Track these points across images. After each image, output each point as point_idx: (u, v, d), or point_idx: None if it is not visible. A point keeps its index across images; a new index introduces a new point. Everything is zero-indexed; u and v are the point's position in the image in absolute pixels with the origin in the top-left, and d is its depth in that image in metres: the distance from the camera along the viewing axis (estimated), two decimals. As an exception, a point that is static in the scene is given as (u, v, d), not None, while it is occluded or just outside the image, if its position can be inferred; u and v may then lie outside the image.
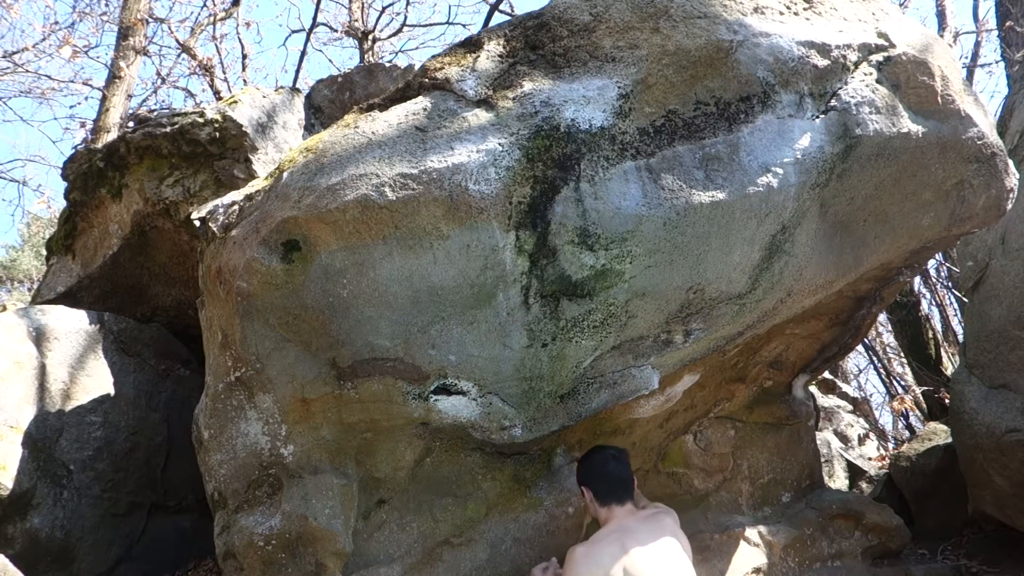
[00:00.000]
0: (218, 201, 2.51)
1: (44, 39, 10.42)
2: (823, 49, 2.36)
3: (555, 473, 2.77)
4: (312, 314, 2.22)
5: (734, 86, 2.30)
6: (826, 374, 6.70)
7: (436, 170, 2.10)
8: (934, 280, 7.28)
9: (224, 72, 11.05)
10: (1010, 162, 2.80)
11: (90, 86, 10.95)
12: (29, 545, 3.17)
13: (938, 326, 7.30)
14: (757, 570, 3.16)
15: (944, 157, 2.56)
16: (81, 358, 3.64)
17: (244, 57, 11.24)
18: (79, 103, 23.56)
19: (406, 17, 12.01)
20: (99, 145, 4.62)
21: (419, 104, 2.27)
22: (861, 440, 6.27)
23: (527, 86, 2.26)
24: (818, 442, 4.13)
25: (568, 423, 2.44)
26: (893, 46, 2.46)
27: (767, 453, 3.56)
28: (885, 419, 9.90)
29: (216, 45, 11.02)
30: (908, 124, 2.44)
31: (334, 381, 2.30)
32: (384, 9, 11.65)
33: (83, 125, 9.32)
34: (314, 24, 10.10)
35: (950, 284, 7.05)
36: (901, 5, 8.60)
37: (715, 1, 2.37)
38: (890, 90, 2.44)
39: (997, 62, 9.05)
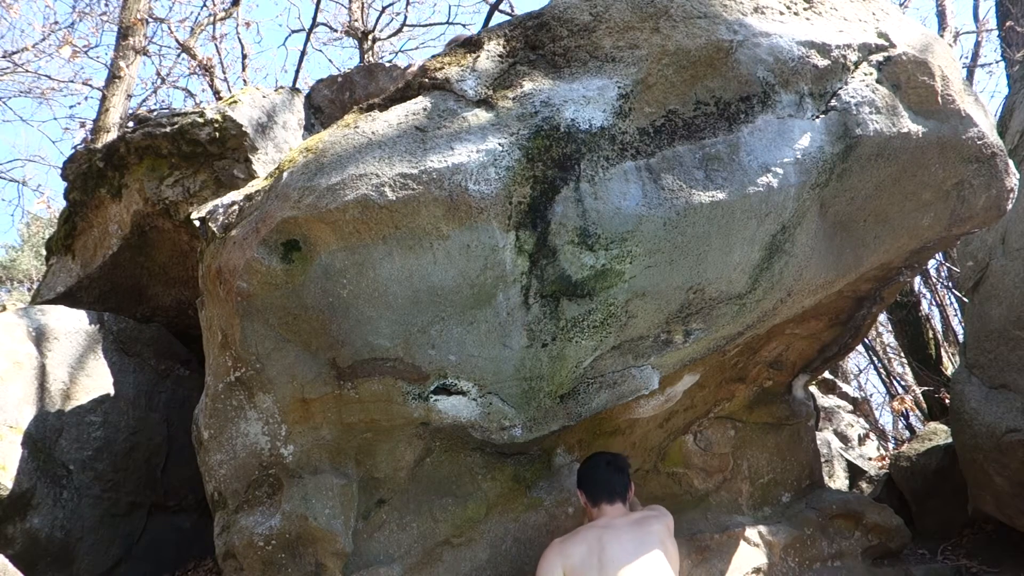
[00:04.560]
0: (218, 201, 2.51)
1: (44, 39, 10.42)
2: (823, 49, 2.36)
3: (555, 473, 2.77)
4: (312, 314, 2.22)
5: (734, 86, 2.30)
6: (826, 374, 6.70)
7: (436, 170, 2.10)
8: (934, 280, 7.28)
9: (224, 72, 11.05)
10: (1010, 162, 2.80)
11: (90, 86, 10.95)
12: (29, 545, 3.17)
13: (938, 326, 7.30)
14: (757, 570, 3.16)
15: (944, 157, 2.56)
16: (81, 358, 3.64)
17: (244, 57, 11.24)
18: (79, 103, 23.59)
19: (406, 17, 12.03)
20: (99, 145, 4.62)
21: (419, 104, 2.27)
22: (861, 440, 6.27)
23: (527, 86, 2.26)
24: (818, 442, 4.13)
25: (568, 423, 2.44)
26: (893, 46, 2.46)
27: (767, 453, 3.56)
28: (885, 419, 9.91)
29: (216, 45, 11.02)
30: (908, 124, 2.44)
31: (334, 381, 2.30)
32: (384, 9, 11.65)
33: (83, 125, 9.31)
34: (314, 24, 10.10)
35: (950, 284, 7.05)
36: (901, 5, 8.60)
37: (715, 1, 2.37)
38: (890, 90, 2.44)
39: (997, 62, 9.05)
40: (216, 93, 10.11)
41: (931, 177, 2.59)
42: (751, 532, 3.22)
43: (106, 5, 11.04)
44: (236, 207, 2.42)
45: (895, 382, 8.42)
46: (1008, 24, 7.39)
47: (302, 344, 2.29)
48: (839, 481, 5.37)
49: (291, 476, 2.41)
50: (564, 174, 2.18)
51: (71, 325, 3.66)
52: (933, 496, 4.46)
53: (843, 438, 6.06)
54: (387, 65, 4.43)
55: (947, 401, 5.32)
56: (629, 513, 2.42)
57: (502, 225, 2.15)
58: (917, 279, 7.04)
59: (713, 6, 2.35)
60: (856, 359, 11.00)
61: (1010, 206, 2.88)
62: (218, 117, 3.59)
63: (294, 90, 4.05)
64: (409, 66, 3.52)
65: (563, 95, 2.23)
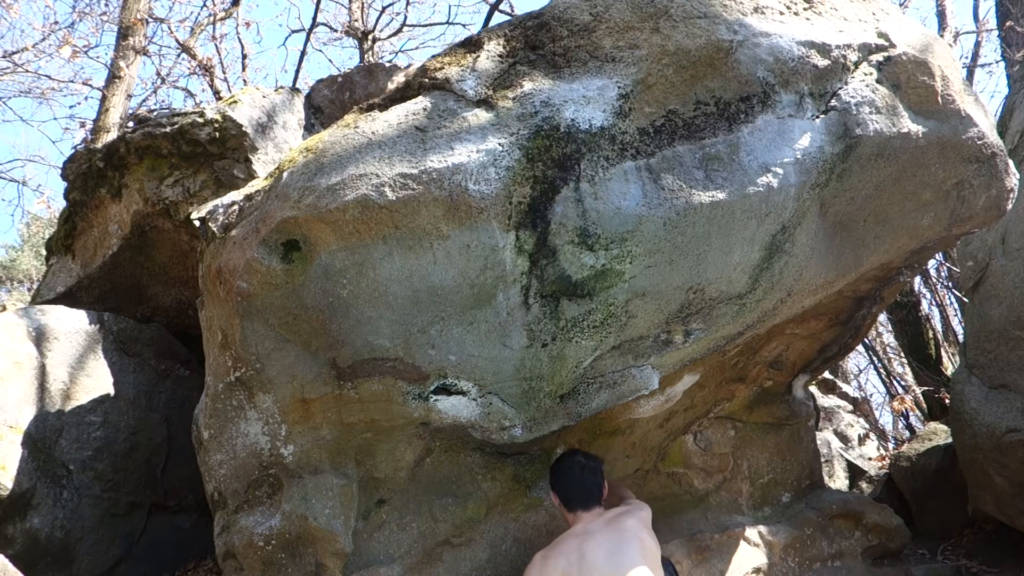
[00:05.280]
0: (218, 201, 2.51)
1: (44, 39, 10.42)
2: (823, 49, 2.36)
3: (555, 473, 2.77)
4: (312, 314, 2.22)
5: (734, 86, 2.30)
6: (826, 374, 6.70)
7: (436, 170, 2.10)
8: (934, 280, 7.28)
9: (224, 72, 11.06)
10: (1010, 162, 2.80)
11: (90, 86, 10.96)
12: (29, 545, 3.17)
13: (938, 326, 7.31)
14: (757, 570, 3.16)
15: (944, 157, 2.56)
16: (81, 358, 3.64)
17: (244, 57, 11.25)
18: (79, 103, 23.61)
19: (406, 17, 12.03)
20: (99, 145, 4.62)
21: (419, 104, 2.27)
22: (861, 440, 6.27)
23: (527, 86, 2.26)
24: (818, 442, 4.13)
25: (568, 423, 2.44)
26: (893, 46, 2.46)
27: (767, 453, 3.56)
28: (885, 419, 9.91)
29: (216, 45, 11.03)
30: (908, 124, 2.44)
31: (334, 381, 2.30)
32: (384, 9, 11.66)
33: (83, 125, 9.32)
34: (314, 24, 10.10)
35: (950, 284, 7.05)
36: (901, 5, 8.60)
37: (715, 1, 2.36)
38: (890, 90, 2.44)
39: (997, 62, 9.06)
40: (216, 93, 10.12)
41: (931, 177, 2.59)
42: (751, 532, 3.22)
43: (106, 5, 11.06)
44: (236, 207, 2.42)
45: (895, 382, 8.42)
46: (1008, 24, 7.40)
47: (302, 344, 2.29)
48: (839, 481, 5.37)
49: (291, 476, 2.41)
50: (564, 174, 2.17)
51: (71, 325, 3.66)
52: (933, 496, 4.46)
53: (843, 438, 6.06)
54: (387, 65, 4.43)
55: (947, 401, 5.32)
56: (604, 512, 2.42)
57: (502, 225, 2.15)
58: (917, 279, 7.05)
59: (713, 6, 2.35)
60: (856, 359, 11.01)
61: (1010, 206, 2.88)
62: (218, 117, 3.59)
63: (294, 90, 4.04)
64: (409, 66, 3.51)
65: (563, 95, 2.23)
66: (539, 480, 2.76)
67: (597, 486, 2.45)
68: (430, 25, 13.64)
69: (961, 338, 5.92)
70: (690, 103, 2.29)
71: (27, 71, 10.64)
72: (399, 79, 2.45)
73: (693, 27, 2.30)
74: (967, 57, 8.90)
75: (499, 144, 2.15)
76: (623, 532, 2.27)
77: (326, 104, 4.20)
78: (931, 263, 6.97)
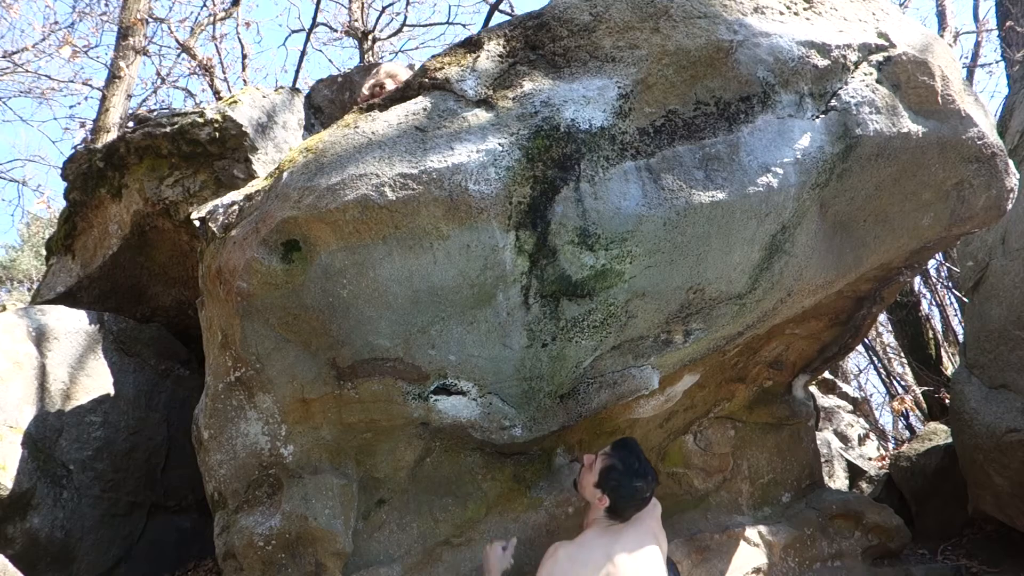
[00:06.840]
0: (218, 201, 2.51)
1: (44, 39, 10.42)
2: (823, 49, 2.36)
3: (555, 473, 2.77)
4: (312, 314, 2.22)
5: (734, 86, 2.30)
6: (826, 374, 6.69)
7: (436, 170, 2.10)
8: (934, 280, 7.28)
9: (224, 72, 11.05)
10: (1010, 162, 2.80)
11: (90, 86, 10.96)
12: (29, 545, 3.17)
13: (938, 326, 7.30)
14: (757, 570, 3.16)
15: (944, 157, 2.56)
16: (81, 358, 3.64)
17: (244, 57, 11.24)
18: (79, 103, 23.54)
19: (406, 17, 12.02)
20: (99, 145, 4.62)
21: (419, 104, 2.27)
22: (861, 440, 6.27)
23: (527, 86, 2.26)
24: (818, 442, 4.13)
25: (568, 423, 2.44)
26: (893, 46, 2.46)
27: (767, 453, 3.56)
28: (885, 419, 9.91)
29: (216, 45, 11.02)
30: (908, 124, 2.44)
31: (334, 381, 2.30)
32: (384, 9, 11.65)
33: (83, 125, 9.32)
34: (314, 24, 10.09)
35: (950, 284, 7.05)
36: (901, 5, 8.60)
37: (715, 1, 2.37)
38: (890, 90, 2.44)
39: (997, 62, 9.07)
40: (216, 93, 10.11)
41: (931, 177, 2.59)
42: (751, 532, 3.22)
43: (106, 5, 11.04)
44: (236, 207, 2.42)
45: (895, 382, 8.42)
46: (1008, 24, 7.40)
47: (302, 344, 2.29)
48: (839, 481, 5.37)
49: (291, 476, 2.41)
50: (564, 174, 2.18)
51: (71, 325, 3.66)
52: (933, 496, 4.46)
53: (843, 438, 6.06)
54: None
55: (947, 401, 5.32)
56: None
57: (502, 225, 2.15)
58: (917, 279, 7.05)
59: (713, 6, 2.35)
60: (856, 359, 11.00)
61: (1010, 206, 2.88)
62: (218, 117, 3.59)
63: (294, 90, 4.04)
64: (410, 66, 3.47)
65: (563, 95, 2.23)
66: (539, 480, 2.76)
67: None
68: (430, 25, 13.60)
69: (961, 338, 5.92)
70: (690, 103, 2.29)
71: (27, 71, 10.64)
72: (369, 83, 2.49)
73: (693, 27, 2.30)
74: (967, 57, 8.91)
75: (499, 144, 2.15)
76: (644, 533, 2.31)
77: (326, 104, 4.20)
78: (931, 263, 6.97)
